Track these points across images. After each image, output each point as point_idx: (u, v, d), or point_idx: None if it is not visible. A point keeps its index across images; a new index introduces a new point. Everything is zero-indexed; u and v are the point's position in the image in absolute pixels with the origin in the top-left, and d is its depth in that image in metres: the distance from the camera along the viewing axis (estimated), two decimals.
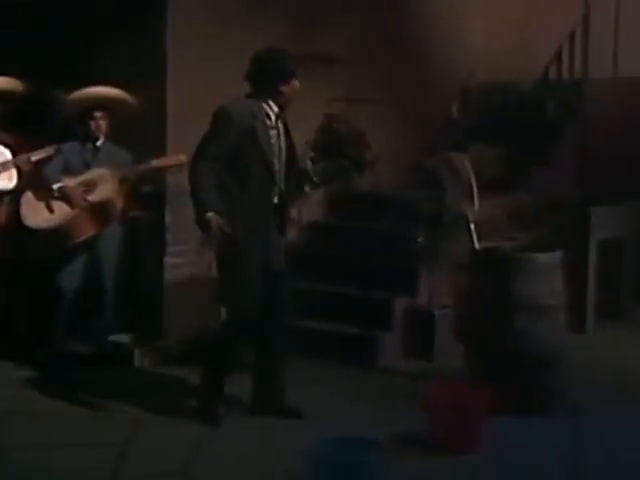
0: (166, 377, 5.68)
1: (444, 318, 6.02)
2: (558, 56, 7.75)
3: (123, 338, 6.00)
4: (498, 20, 8.01)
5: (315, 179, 5.07)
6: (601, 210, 6.80)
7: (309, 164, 5.22)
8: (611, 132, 7.55)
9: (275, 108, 4.83)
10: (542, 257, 5.14)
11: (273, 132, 4.81)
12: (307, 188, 5.11)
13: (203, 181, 4.64)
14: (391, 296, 6.09)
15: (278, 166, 4.84)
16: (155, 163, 5.72)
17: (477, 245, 5.35)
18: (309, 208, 6.87)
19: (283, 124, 4.90)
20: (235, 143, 4.67)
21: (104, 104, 5.79)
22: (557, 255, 5.19)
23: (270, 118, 4.81)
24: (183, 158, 5.48)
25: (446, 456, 4.42)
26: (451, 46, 7.62)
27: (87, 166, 5.80)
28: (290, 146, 4.94)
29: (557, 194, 6.82)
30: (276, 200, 4.86)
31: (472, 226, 5.35)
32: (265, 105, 4.80)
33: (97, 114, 5.77)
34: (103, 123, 5.80)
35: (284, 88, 4.83)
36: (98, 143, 5.82)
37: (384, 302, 6.07)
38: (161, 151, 5.87)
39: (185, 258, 6.17)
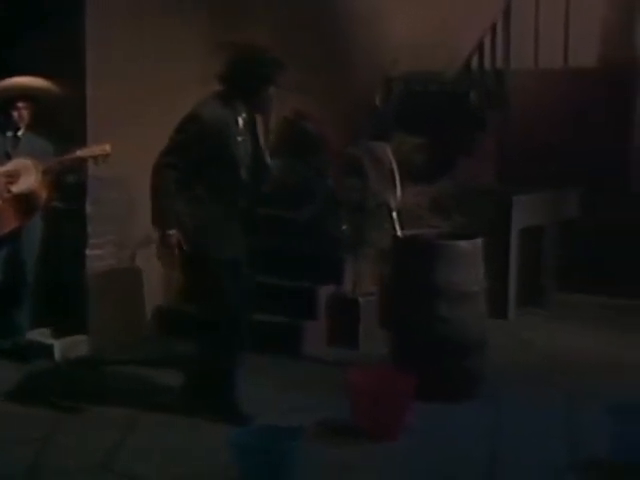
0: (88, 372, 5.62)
1: (368, 305, 6.05)
2: (480, 47, 7.86)
3: (44, 332, 5.90)
4: (421, 10, 8.07)
5: (275, 175, 4.99)
6: (522, 198, 6.90)
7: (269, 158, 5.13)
8: (532, 122, 7.69)
9: (244, 113, 4.61)
10: (463, 244, 5.20)
11: (242, 138, 4.61)
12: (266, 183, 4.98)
13: (167, 193, 4.46)
14: (315, 284, 6.10)
15: (246, 172, 4.66)
16: (80, 153, 5.61)
17: (399, 233, 5.39)
18: None
19: (253, 129, 4.70)
20: (205, 150, 4.48)
21: (28, 94, 5.68)
22: (478, 242, 5.26)
23: (238, 123, 4.60)
24: (108, 148, 5.43)
25: (369, 442, 4.45)
26: (374, 36, 7.65)
27: (7, 156, 5.67)
28: (258, 150, 4.75)
29: (479, 182, 6.92)
30: (244, 204, 4.71)
31: (394, 214, 5.38)
32: (235, 110, 4.58)
33: (20, 104, 5.66)
34: (26, 113, 5.69)
35: (261, 93, 4.61)
36: (19, 133, 5.71)
37: (308, 290, 6.08)
38: (81, 142, 5.79)
39: (106, 250, 6.09)
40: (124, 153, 5.66)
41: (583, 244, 7.33)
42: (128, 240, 6.18)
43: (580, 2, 8.00)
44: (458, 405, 4.92)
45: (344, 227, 6.03)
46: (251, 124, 4.69)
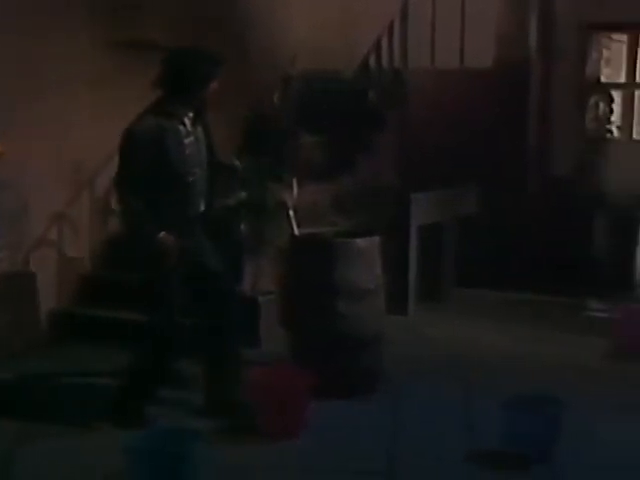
0: None
1: (268, 304, 6.02)
2: (378, 46, 7.92)
3: None
4: (320, 9, 8.10)
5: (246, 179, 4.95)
6: (421, 196, 6.99)
7: (237, 161, 5.08)
8: (430, 120, 7.79)
9: (190, 113, 4.57)
10: (361, 242, 5.22)
11: (189, 139, 4.55)
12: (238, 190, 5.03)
13: (138, 212, 4.45)
14: None
15: (200, 173, 4.61)
16: None
17: (297, 231, 5.38)
18: None
19: (202, 127, 4.66)
20: (148, 163, 4.44)
21: None
22: (375, 240, 5.30)
23: (185, 124, 4.55)
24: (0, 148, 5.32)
25: (270, 441, 4.43)
26: (273, 34, 7.64)
27: None
28: (210, 147, 4.71)
29: (379, 180, 6.97)
30: (202, 207, 4.67)
31: (291, 213, 5.37)
32: (178, 112, 4.53)
33: None
34: None
35: (203, 92, 4.57)
36: None
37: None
38: None
39: (1, 253, 5.93)
40: (16, 154, 5.53)
41: (481, 241, 7.47)
42: (22, 243, 6.03)
43: (476, 2, 8.13)
44: (358, 401, 4.94)
45: (243, 226, 5.99)
46: (200, 119, 4.66)
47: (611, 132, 8.37)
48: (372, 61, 7.88)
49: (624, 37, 8.64)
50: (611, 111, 8.40)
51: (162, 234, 4.46)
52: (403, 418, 4.82)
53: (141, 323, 5.88)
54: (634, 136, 8.65)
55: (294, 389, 4.60)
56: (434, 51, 8.13)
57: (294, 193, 5.52)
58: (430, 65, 8.13)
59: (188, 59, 4.58)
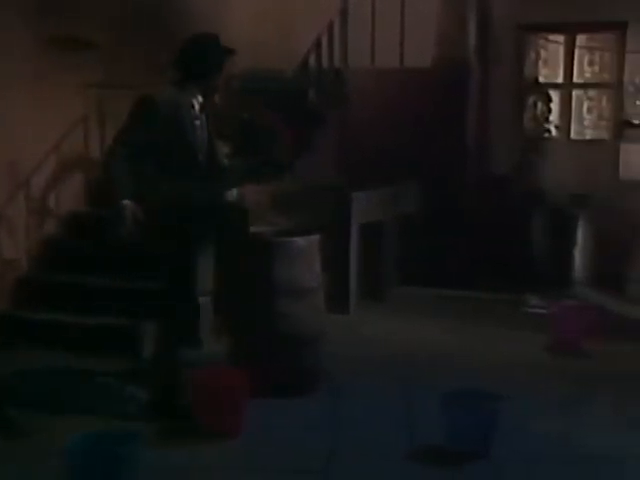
0: None
1: (209, 304, 5.98)
2: (318, 45, 7.92)
3: None
4: (260, 9, 8.08)
5: (236, 177, 5.01)
6: (362, 194, 7.01)
7: (225, 161, 5.09)
8: (370, 120, 7.82)
9: (200, 98, 4.68)
10: (300, 241, 5.21)
11: (197, 122, 4.66)
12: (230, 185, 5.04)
13: (120, 168, 4.47)
14: (155, 284, 5.97)
15: (202, 157, 4.70)
16: None
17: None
18: (69, 196, 6.68)
19: (205, 115, 4.74)
20: (160, 132, 4.51)
21: None
22: (315, 239, 5.29)
23: (194, 108, 4.65)
24: None
25: (211, 441, 4.40)
26: (212, 31, 7.58)
27: None
28: (210, 136, 4.78)
29: (320, 179, 6.97)
30: (199, 185, 4.70)
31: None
32: (191, 94, 4.64)
33: None
34: None
35: (216, 78, 4.73)
36: None
37: (148, 291, 5.94)
38: None
39: None
40: None
41: (421, 239, 7.51)
42: None
43: (415, 3, 8.19)
44: (298, 400, 4.93)
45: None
46: (205, 109, 4.75)
47: (549, 131, 8.49)
48: (312, 60, 7.87)
49: (561, 38, 8.77)
50: (549, 110, 8.53)
51: (126, 201, 4.48)
52: (343, 417, 4.82)
53: (80, 324, 5.89)
54: (572, 135, 8.80)
55: (233, 389, 4.58)
56: (374, 51, 8.15)
57: (234, 193, 5.48)
58: (370, 65, 8.15)
59: (208, 44, 4.72)
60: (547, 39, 8.90)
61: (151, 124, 4.52)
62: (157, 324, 4.93)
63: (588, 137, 8.85)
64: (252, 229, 5.43)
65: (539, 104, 8.45)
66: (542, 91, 8.56)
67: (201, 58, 4.67)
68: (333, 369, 5.31)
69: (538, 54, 8.89)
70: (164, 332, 4.83)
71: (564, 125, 8.70)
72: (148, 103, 4.57)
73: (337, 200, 6.88)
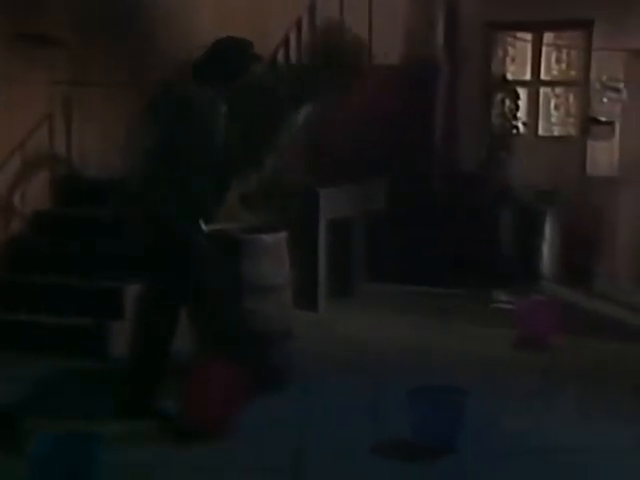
0: None
1: None
2: (286, 42, 7.90)
3: None
4: (232, 6, 8.04)
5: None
6: (329, 191, 7.00)
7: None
8: (339, 117, 7.81)
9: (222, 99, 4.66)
10: (268, 238, 5.21)
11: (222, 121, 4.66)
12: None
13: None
14: (121, 284, 5.94)
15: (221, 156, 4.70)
16: None
17: (205, 228, 5.32)
18: (33, 196, 6.61)
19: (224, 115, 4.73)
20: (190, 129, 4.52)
21: None
22: (283, 235, 5.28)
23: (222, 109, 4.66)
24: None
25: (178, 440, 4.39)
26: (180, 29, 7.56)
27: None
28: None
29: (287, 176, 6.95)
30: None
31: None
32: (220, 95, 4.64)
33: None
34: None
35: (238, 81, 4.78)
36: None
37: (114, 290, 5.92)
38: None
39: None
40: None
41: (390, 236, 7.53)
42: None
43: (383, 0, 8.19)
44: (266, 398, 4.91)
45: None
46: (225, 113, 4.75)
47: (517, 128, 8.53)
48: (280, 56, 7.85)
49: (528, 36, 8.83)
50: (517, 107, 8.56)
51: None
52: (312, 414, 4.81)
53: (44, 324, 5.84)
54: (539, 132, 8.85)
55: (230, 387, 4.52)
56: None
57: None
58: None
59: (236, 47, 4.74)
60: (515, 37, 8.94)
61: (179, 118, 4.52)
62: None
63: (556, 134, 8.92)
64: (219, 226, 5.41)
65: (507, 101, 8.48)
66: (510, 88, 8.59)
67: (233, 61, 4.71)
68: (302, 366, 5.30)
69: (506, 52, 8.94)
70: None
71: (532, 122, 8.75)
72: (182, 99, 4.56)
73: (305, 197, 6.87)
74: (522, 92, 8.73)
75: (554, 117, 8.90)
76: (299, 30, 7.96)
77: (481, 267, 7.58)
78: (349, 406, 4.90)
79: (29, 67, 6.30)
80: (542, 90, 8.89)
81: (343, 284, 7.27)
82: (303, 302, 5.88)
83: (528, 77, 8.87)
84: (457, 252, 7.79)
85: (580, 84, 8.69)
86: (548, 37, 8.79)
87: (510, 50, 8.96)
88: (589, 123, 8.49)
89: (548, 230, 8.03)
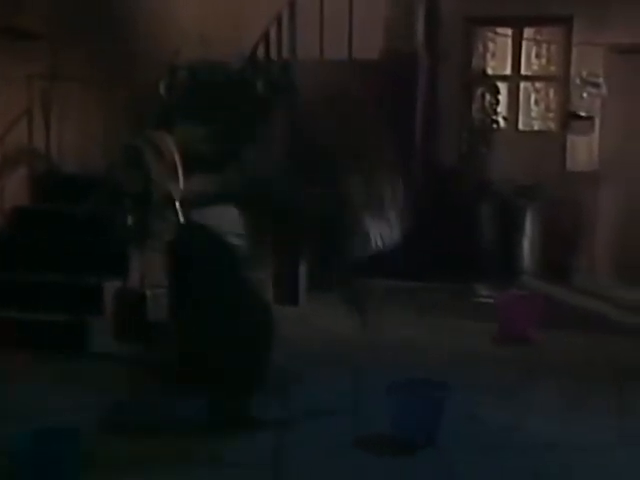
0: None
1: (157, 298, 5.93)
2: (266, 37, 7.87)
3: None
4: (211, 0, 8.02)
5: None
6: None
7: None
8: (318, 111, 7.79)
9: None
10: None
11: None
12: None
13: None
14: (100, 280, 5.92)
15: None
16: None
17: (183, 222, 5.31)
18: (12, 192, 6.57)
19: None
20: None
21: None
22: None
23: None
24: None
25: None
26: (159, 24, 7.53)
27: None
28: None
29: (267, 169, 6.93)
30: None
31: (177, 205, 5.29)
32: None
33: None
34: None
35: None
36: None
37: (93, 286, 5.90)
38: None
39: None
40: None
41: None
42: None
43: None
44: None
45: (129, 220, 5.86)
46: None
47: (497, 123, 8.55)
48: (260, 52, 7.82)
49: (508, 31, 8.85)
50: (497, 102, 8.58)
51: None
52: (293, 408, 4.79)
53: (23, 320, 5.81)
54: (519, 127, 8.87)
55: None
56: (322, 42, 8.13)
57: (180, 184, 5.44)
58: (319, 56, 8.12)
59: None
60: (495, 32, 8.97)
61: None
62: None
63: (536, 129, 8.94)
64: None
65: (487, 96, 8.50)
66: (490, 83, 8.62)
67: None
68: (284, 360, 5.28)
69: (486, 47, 8.96)
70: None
71: (512, 117, 8.77)
72: None
73: (286, 191, 6.85)
74: (502, 87, 8.76)
75: (534, 112, 8.93)
76: (279, 25, 7.93)
77: (462, 262, 7.59)
78: (330, 400, 4.89)
79: (8, 62, 6.25)
80: (522, 85, 8.91)
81: (323, 279, 7.24)
82: (284, 296, 5.86)
83: (508, 72, 8.89)
84: (438, 247, 7.80)
85: (560, 79, 8.73)
86: (528, 32, 8.82)
87: (490, 45, 8.98)
88: (569, 118, 8.53)
89: (528, 225, 8.06)
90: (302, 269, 6.95)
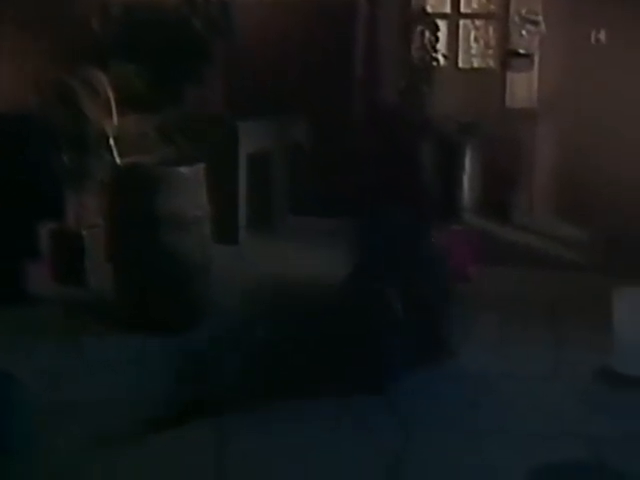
0: None
1: (94, 238, 5.85)
2: None
3: None
4: None
5: None
6: (249, 124, 6.93)
7: None
8: (258, 51, 7.72)
9: None
10: (184, 170, 5.14)
11: None
12: None
13: None
14: (35, 221, 5.80)
15: None
16: None
17: (119, 161, 5.23)
18: None
19: None
20: None
21: None
22: (200, 167, 5.21)
23: None
24: None
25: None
26: None
27: None
28: None
29: (206, 109, 6.86)
30: None
31: (112, 142, 5.20)
32: None
33: None
34: None
35: None
36: None
37: (28, 228, 5.78)
38: None
39: None
40: None
41: (310, 168, 7.50)
42: None
43: None
44: (184, 333, 4.89)
45: (64, 158, 5.75)
46: None
47: (437, 60, 8.51)
48: None
49: None
50: (436, 40, 8.53)
51: None
52: (231, 347, 4.78)
53: None
54: (459, 64, 8.85)
55: None
56: None
57: (114, 122, 5.35)
58: None
59: None
60: None
61: None
62: None
63: (475, 66, 8.93)
64: (135, 159, 5.32)
65: (427, 34, 8.45)
66: (429, 21, 8.55)
67: None
68: (221, 299, 5.28)
69: None
70: None
71: (451, 54, 8.74)
72: None
73: (224, 130, 6.78)
74: (442, 24, 8.70)
75: (474, 49, 8.90)
76: None
77: (402, 199, 7.59)
78: (268, 340, 4.88)
79: None
80: (462, 22, 8.87)
81: (263, 217, 7.24)
82: (223, 235, 5.83)
83: (448, 10, 8.83)
84: (377, 185, 7.79)
85: (499, 17, 8.69)
86: None
87: None
88: (508, 56, 8.53)
89: (468, 162, 8.09)
90: (242, 209, 6.91)
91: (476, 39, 8.90)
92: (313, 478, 3.48)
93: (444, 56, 8.58)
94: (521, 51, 8.48)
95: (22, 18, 6.66)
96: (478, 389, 4.29)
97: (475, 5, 8.90)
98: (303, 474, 3.50)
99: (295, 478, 3.48)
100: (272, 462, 3.57)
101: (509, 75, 8.54)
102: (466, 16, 8.86)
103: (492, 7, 8.83)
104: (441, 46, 8.58)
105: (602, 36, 8.26)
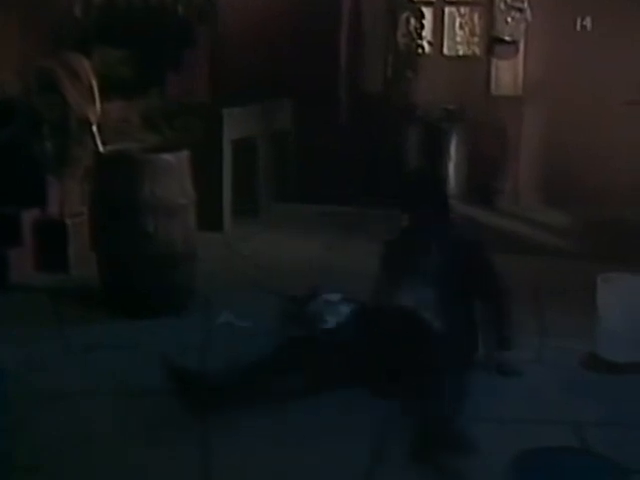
0: None
1: (77, 226, 5.81)
2: None
3: None
4: None
5: None
6: (233, 111, 6.90)
7: None
8: (242, 36, 7.68)
9: None
10: (168, 157, 5.10)
11: None
12: None
13: None
14: (18, 209, 5.76)
15: None
16: None
17: (101, 148, 5.19)
18: None
19: None
20: None
21: None
22: (184, 154, 5.18)
23: None
24: None
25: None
26: None
27: None
28: None
29: (190, 97, 6.83)
30: None
31: (94, 129, 5.16)
32: None
33: None
34: None
35: None
36: None
37: (10, 216, 5.73)
38: None
39: None
40: None
41: (295, 155, 7.48)
42: None
43: None
44: (169, 320, 4.87)
45: (47, 144, 5.70)
46: None
47: (422, 47, 8.50)
48: None
49: None
50: (422, 26, 8.52)
51: None
52: (215, 336, 4.76)
53: None
54: (445, 51, 8.83)
55: None
56: None
57: (97, 109, 5.31)
58: None
59: None
60: None
61: None
62: None
63: (460, 53, 8.91)
64: (119, 146, 5.28)
65: (412, 20, 8.44)
66: (415, 7, 8.54)
67: None
68: (206, 287, 5.25)
69: None
70: None
71: (437, 41, 8.72)
72: None
73: (208, 116, 6.75)
74: (427, 11, 8.68)
75: (459, 36, 8.87)
76: None
77: (385, 185, 7.60)
78: (254, 326, 4.86)
79: None
80: (447, 9, 8.84)
81: (248, 204, 7.21)
82: (208, 222, 5.82)
83: None
84: (362, 170, 7.80)
85: (485, 4, 8.67)
86: None
87: None
88: (493, 43, 8.52)
89: (453, 149, 8.08)
90: (227, 196, 6.89)
91: (461, 26, 8.87)
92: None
93: (429, 43, 8.57)
94: (506, 38, 8.47)
95: (4, 3, 6.60)
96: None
97: None
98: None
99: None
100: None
101: (494, 62, 8.54)
102: (451, 3, 8.83)
103: None
104: (426, 33, 8.58)
105: (587, 23, 8.26)
